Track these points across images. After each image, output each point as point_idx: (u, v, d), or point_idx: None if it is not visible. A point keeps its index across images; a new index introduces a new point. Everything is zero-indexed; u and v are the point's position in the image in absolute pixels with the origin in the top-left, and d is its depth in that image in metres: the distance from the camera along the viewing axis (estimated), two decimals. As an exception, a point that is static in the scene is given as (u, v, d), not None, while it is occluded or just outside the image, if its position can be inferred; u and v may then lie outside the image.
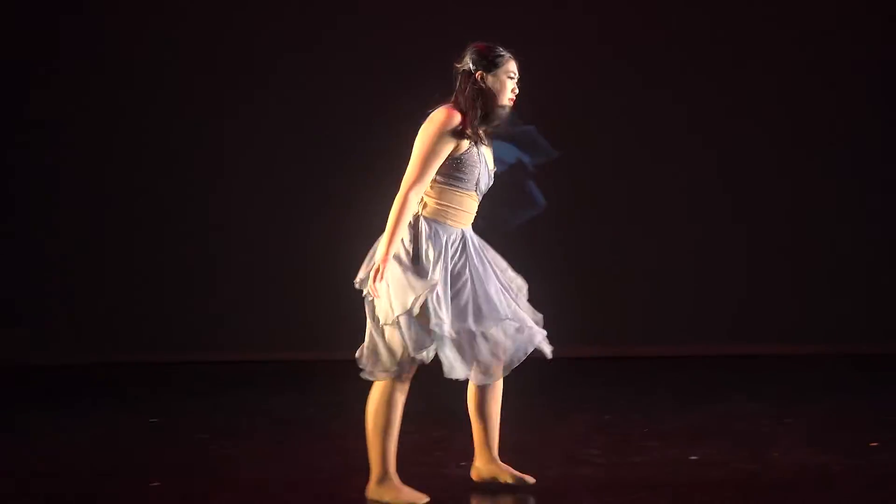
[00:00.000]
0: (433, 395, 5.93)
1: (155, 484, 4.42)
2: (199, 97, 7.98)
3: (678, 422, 5.59)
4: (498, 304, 4.11)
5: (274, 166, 8.00)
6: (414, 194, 3.97)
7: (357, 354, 4.05)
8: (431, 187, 4.07)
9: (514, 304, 4.20)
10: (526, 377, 7.00)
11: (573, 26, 8.02)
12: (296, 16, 8.03)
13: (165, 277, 7.98)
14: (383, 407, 4.06)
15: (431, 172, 4.01)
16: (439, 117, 4.01)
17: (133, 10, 8.01)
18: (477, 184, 4.18)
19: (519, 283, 4.37)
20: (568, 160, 8.03)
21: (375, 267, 3.92)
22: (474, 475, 4.39)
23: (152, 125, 8.01)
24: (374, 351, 4.03)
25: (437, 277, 3.97)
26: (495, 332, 4.11)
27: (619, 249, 8.04)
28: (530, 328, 4.19)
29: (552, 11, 7.98)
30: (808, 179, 8.12)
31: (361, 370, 4.04)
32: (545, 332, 4.27)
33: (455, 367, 4.04)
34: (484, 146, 4.21)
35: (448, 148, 4.02)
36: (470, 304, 4.05)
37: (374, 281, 3.91)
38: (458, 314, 4.02)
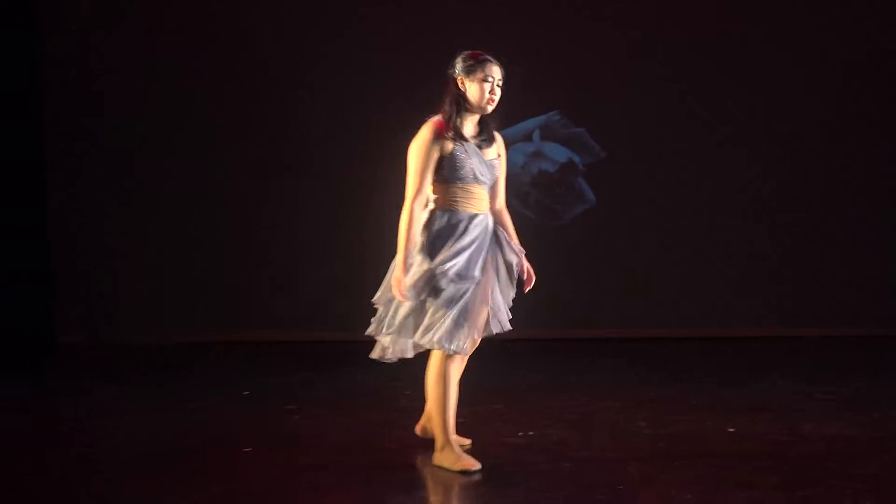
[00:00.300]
0: (491, 373, 5.96)
1: (247, 450, 4.48)
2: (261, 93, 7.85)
3: (716, 398, 5.54)
4: (490, 291, 4.17)
5: (349, 160, 7.74)
6: (417, 205, 4.11)
7: (417, 337, 4.16)
8: (435, 189, 4.16)
9: (497, 290, 4.23)
10: (580, 357, 7.02)
11: (611, 36, 7.91)
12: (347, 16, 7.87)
13: (253, 264, 7.89)
14: (440, 382, 4.13)
15: (427, 181, 4.13)
16: (421, 134, 4.15)
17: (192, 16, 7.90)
18: (474, 175, 4.20)
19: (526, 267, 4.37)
20: (620, 160, 8.04)
21: (396, 282, 4.06)
22: (419, 431, 4.53)
23: (226, 121, 7.84)
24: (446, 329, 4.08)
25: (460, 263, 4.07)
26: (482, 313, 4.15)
27: (660, 240, 7.95)
28: (496, 318, 4.21)
29: (584, 23, 7.87)
30: (830, 170, 7.97)
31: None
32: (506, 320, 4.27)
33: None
34: (475, 141, 4.22)
35: (435, 156, 4.13)
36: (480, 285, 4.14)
37: (400, 292, 4.06)
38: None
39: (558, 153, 8.07)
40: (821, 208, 7.98)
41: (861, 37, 7.92)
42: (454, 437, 4.22)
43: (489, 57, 4.21)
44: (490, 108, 4.20)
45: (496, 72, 4.19)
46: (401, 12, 7.82)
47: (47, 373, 6.91)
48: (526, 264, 4.35)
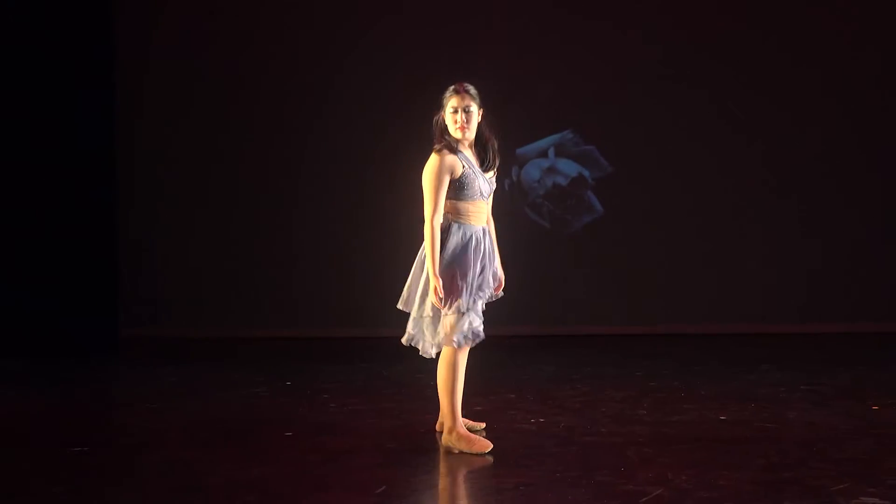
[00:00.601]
0: (505, 366, 5.98)
1: (288, 434, 4.52)
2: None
3: (711, 389, 5.53)
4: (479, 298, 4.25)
5: (373, 161, 7.73)
6: (435, 221, 4.19)
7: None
8: (448, 206, 4.23)
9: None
10: (586, 351, 7.02)
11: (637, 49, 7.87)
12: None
13: (293, 266, 7.92)
14: (449, 370, 4.21)
15: (441, 201, 4.20)
16: (432, 163, 4.20)
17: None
18: (480, 193, 4.28)
19: (499, 276, 4.42)
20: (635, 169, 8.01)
21: (433, 288, 4.14)
22: (438, 427, 4.51)
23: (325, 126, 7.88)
24: (436, 331, 4.23)
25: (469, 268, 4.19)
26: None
27: (661, 244, 7.94)
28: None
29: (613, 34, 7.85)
30: (819, 171, 7.92)
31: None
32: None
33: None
34: (476, 162, 4.29)
35: (446, 179, 4.19)
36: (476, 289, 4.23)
37: (437, 296, 4.14)
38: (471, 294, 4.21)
39: (570, 168, 8.10)
40: (811, 212, 7.94)
41: (859, 38, 7.84)
42: (462, 420, 4.26)
43: (456, 87, 4.21)
44: (464, 135, 4.21)
45: (461, 100, 4.19)
46: (420, 30, 7.82)
47: (112, 363, 6.98)
48: (500, 272, 4.42)
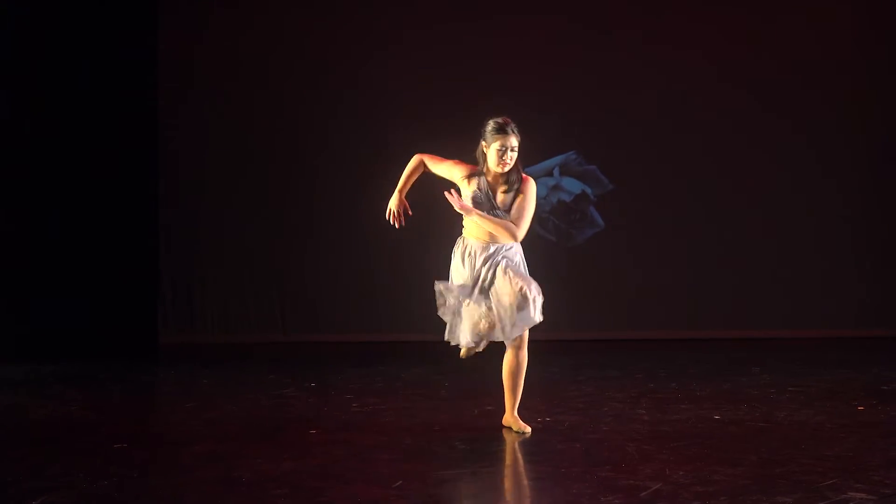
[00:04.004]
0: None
1: (313, 431, 4.52)
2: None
3: (706, 390, 5.49)
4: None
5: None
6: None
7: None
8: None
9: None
10: (590, 355, 6.98)
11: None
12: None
13: (316, 276, 7.99)
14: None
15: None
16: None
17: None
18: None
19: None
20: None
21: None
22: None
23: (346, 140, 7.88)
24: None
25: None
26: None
27: (660, 254, 7.94)
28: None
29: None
30: (804, 186, 7.88)
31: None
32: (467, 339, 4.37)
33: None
34: (492, 189, 4.29)
35: (464, 192, 4.29)
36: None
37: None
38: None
39: (574, 186, 8.10)
40: (792, 231, 7.91)
41: (858, 41, 7.82)
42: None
43: (507, 127, 4.17)
44: (503, 170, 4.20)
45: (510, 142, 4.17)
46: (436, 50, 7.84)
47: (152, 367, 7.00)
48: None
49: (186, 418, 4.96)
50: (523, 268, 4.36)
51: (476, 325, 4.26)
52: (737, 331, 7.77)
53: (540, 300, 4.22)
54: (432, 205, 8.06)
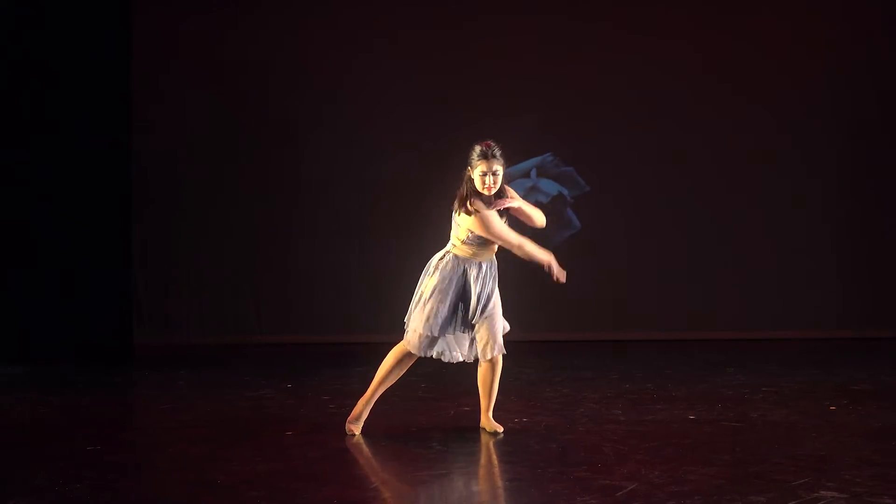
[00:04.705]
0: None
1: (289, 433, 4.50)
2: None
3: (681, 390, 5.53)
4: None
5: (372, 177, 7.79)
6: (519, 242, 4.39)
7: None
8: (465, 249, 4.34)
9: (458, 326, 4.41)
10: (566, 356, 7.01)
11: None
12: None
13: (294, 276, 7.94)
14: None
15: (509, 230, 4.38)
16: (486, 220, 4.27)
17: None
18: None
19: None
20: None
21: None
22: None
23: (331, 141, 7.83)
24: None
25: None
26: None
27: (633, 259, 7.98)
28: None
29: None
30: (778, 189, 7.96)
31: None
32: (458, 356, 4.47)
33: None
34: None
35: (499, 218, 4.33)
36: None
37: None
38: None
39: (551, 187, 8.13)
40: (777, 225, 7.97)
41: (855, 45, 7.87)
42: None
43: (489, 152, 4.24)
44: (489, 193, 4.27)
45: (489, 165, 4.23)
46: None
47: (128, 368, 6.94)
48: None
49: (161, 420, 4.93)
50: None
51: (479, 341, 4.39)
52: (712, 332, 7.84)
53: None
54: (411, 206, 8.10)
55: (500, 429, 4.44)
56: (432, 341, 4.36)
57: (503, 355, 4.42)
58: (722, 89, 7.90)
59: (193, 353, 7.35)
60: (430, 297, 4.30)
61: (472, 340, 4.42)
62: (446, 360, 4.43)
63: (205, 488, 3.58)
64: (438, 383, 5.75)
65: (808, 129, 7.90)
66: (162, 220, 7.94)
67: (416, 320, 4.34)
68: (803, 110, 7.92)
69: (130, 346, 7.61)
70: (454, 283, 4.31)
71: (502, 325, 4.45)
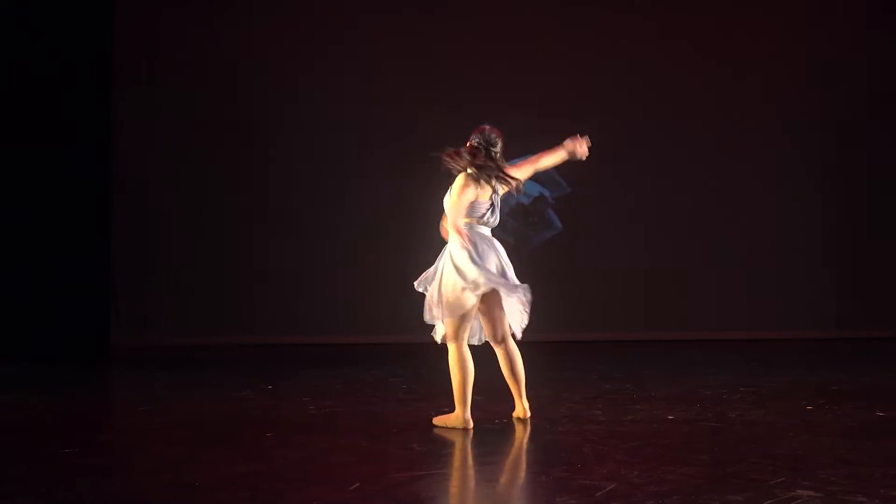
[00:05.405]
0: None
1: (269, 434, 4.50)
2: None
3: (660, 391, 5.57)
4: None
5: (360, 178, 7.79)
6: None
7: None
8: None
9: None
10: (547, 357, 7.04)
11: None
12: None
13: (277, 277, 7.93)
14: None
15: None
16: None
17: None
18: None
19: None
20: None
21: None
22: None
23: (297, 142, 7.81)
24: None
25: None
26: None
27: (615, 260, 8.03)
28: None
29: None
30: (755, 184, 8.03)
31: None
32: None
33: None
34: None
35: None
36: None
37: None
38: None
39: (532, 188, 8.15)
40: (751, 235, 8.05)
41: (852, 48, 7.98)
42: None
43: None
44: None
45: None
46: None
47: (105, 369, 6.90)
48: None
49: (140, 422, 4.90)
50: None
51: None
52: (691, 332, 7.90)
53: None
54: (387, 206, 8.08)
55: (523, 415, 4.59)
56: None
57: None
58: (719, 89, 7.96)
59: (172, 353, 7.31)
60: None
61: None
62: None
63: (184, 490, 3.57)
64: (419, 384, 5.76)
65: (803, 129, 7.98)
66: (139, 221, 7.89)
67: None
68: (804, 110, 7.98)
69: (107, 347, 7.56)
70: (471, 261, 4.45)
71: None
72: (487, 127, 4.51)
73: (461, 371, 4.44)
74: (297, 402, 5.31)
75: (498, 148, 4.49)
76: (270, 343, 7.70)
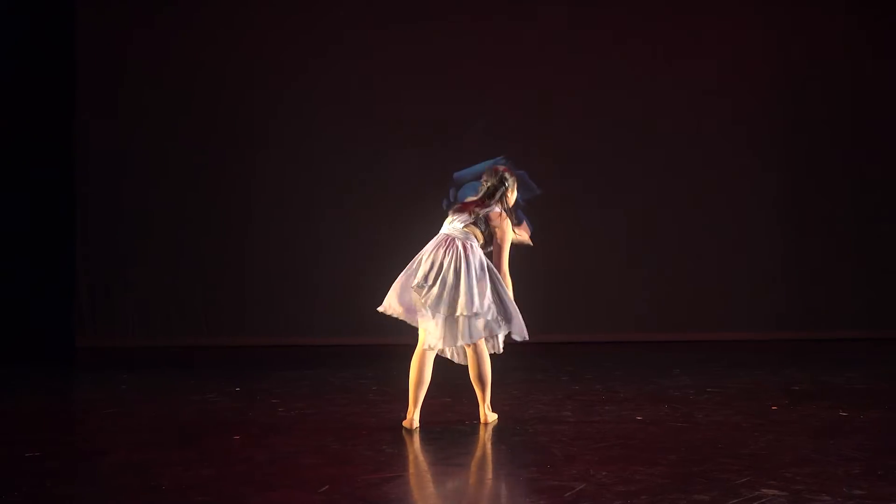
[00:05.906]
0: (441, 372, 5.97)
1: (236, 437, 4.46)
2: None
3: (629, 392, 5.61)
4: None
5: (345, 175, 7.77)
6: None
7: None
8: None
9: None
10: (518, 359, 7.07)
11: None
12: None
13: (246, 279, 7.91)
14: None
15: None
16: None
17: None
18: None
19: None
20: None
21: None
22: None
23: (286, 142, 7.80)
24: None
25: None
26: None
27: (585, 261, 8.08)
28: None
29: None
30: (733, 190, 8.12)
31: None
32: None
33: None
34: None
35: None
36: None
37: None
38: None
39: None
40: (724, 237, 8.13)
41: (851, 50, 8.08)
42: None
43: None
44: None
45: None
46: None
47: (70, 370, 6.81)
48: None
49: (104, 425, 4.84)
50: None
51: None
52: (660, 334, 7.97)
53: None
54: (364, 208, 8.04)
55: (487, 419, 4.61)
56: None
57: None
58: (710, 91, 8.02)
59: (137, 355, 7.24)
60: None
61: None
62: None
63: (149, 493, 3.53)
64: (389, 386, 5.75)
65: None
66: (106, 218, 7.81)
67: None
68: (790, 111, 8.07)
69: (72, 349, 7.46)
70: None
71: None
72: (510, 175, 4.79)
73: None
74: (265, 404, 5.28)
75: (513, 190, 4.90)
76: (238, 345, 7.64)
